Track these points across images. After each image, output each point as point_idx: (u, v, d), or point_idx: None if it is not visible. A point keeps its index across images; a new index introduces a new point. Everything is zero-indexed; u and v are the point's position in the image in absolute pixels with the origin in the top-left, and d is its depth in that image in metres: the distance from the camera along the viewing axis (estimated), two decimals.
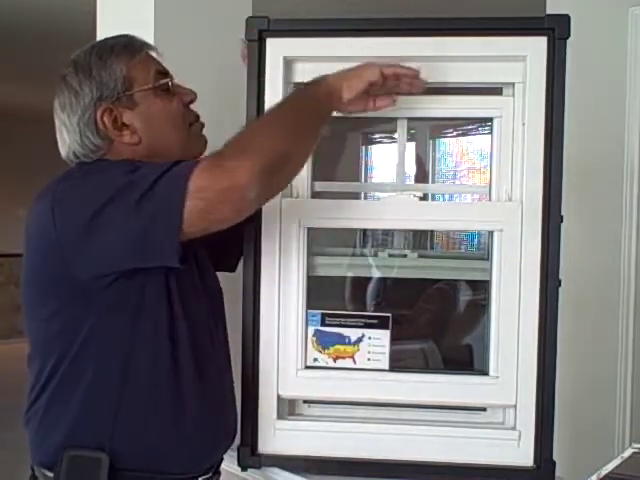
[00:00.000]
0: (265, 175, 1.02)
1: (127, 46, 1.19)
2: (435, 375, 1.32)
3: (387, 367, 1.29)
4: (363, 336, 1.29)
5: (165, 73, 1.22)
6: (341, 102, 1.17)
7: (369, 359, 1.29)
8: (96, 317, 1.11)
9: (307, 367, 1.30)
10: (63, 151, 1.20)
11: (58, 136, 1.20)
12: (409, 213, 1.30)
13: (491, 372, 1.28)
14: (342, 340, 1.30)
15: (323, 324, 1.30)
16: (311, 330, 1.30)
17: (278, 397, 1.30)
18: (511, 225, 1.26)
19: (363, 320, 1.30)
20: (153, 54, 1.23)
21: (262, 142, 1.05)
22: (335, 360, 1.30)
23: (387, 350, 1.29)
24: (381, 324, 1.29)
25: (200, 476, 1.22)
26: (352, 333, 1.29)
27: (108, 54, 1.17)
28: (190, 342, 1.16)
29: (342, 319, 1.30)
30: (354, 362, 1.29)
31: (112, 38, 1.22)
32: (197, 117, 1.25)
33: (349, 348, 1.29)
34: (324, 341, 1.30)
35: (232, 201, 1.02)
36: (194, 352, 1.17)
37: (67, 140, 1.18)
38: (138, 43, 1.22)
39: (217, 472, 1.28)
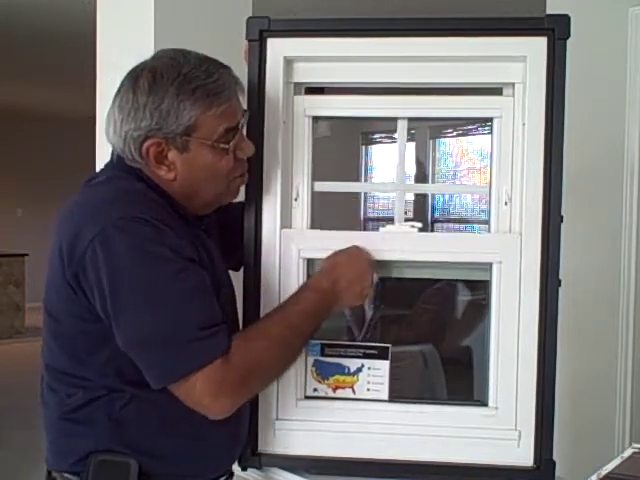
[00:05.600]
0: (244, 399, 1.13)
1: (211, 95, 1.11)
2: (435, 406, 1.30)
3: (386, 397, 1.29)
4: (362, 366, 1.29)
5: (235, 127, 1.15)
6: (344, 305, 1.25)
7: (368, 389, 1.29)
8: None
9: (307, 397, 1.30)
10: (108, 137, 1.16)
11: (106, 122, 1.15)
12: (408, 245, 1.28)
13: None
14: (342, 370, 1.29)
15: (323, 354, 1.29)
16: (310, 360, 1.29)
17: (278, 396, 1.30)
18: (510, 257, 1.25)
19: (362, 350, 1.29)
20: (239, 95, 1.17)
21: (264, 378, 1.15)
22: (335, 390, 1.30)
23: (386, 380, 1.29)
24: (380, 354, 1.29)
25: (220, 477, 1.25)
26: (351, 363, 1.29)
27: (188, 94, 1.10)
28: None
29: (341, 349, 1.30)
30: (353, 392, 1.29)
31: (208, 69, 1.12)
32: (243, 173, 1.21)
33: (348, 378, 1.29)
34: (324, 371, 1.29)
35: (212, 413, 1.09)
36: None
37: (111, 135, 1.15)
38: (226, 94, 1.13)
39: (232, 473, 1.31)
